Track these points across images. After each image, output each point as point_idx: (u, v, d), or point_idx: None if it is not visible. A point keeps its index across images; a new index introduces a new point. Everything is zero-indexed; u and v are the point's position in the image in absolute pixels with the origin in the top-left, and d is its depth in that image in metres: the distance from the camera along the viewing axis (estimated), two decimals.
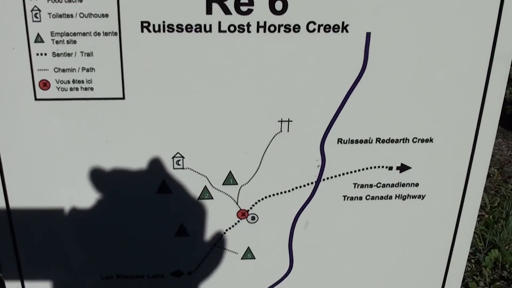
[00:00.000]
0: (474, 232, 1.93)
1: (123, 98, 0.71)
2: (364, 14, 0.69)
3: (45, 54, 0.69)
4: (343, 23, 0.69)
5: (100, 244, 0.79)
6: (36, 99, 0.71)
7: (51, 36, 0.68)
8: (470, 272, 1.78)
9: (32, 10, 0.67)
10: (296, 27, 0.69)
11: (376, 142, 0.75)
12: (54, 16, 0.67)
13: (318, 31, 0.69)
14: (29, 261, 0.79)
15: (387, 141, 0.75)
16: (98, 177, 0.75)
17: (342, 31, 0.70)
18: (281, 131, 0.74)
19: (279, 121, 0.73)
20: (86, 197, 0.76)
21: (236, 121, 0.73)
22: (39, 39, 0.68)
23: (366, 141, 0.75)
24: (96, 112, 0.72)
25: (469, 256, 1.87)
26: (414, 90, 0.73)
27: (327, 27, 0.69)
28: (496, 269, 1.87)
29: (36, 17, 0.67)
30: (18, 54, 0.69)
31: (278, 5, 0.68)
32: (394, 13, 0.69)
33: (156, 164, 0.75)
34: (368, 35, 0.70)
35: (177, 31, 0.68)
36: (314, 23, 0.69)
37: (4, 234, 0.77)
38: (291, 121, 0.73)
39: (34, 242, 0.78)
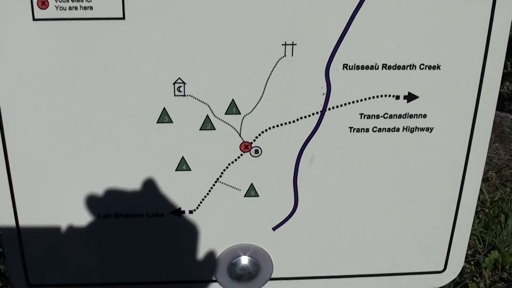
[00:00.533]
0: (473, 234, 1.89)
1: (123, 18, 0.68)
2: None
3: None
4: None
5: (97, 180, 0.75)
6: (34, 19, 0.67)
7: None
8: (470, 273, 1.74)
9: None
10: None
11: (382, 69, 0.72)
12: None
13: None
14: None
15: (394, 67, 0.72)
16: (95, 103, 0.71)
17: None
18: (285, 55, 0.70)
19: (283, 44, 0.70)
20: (83, 124, 0.72)
21: (239, 44, 0.69)
22: None
23: (372, 67, 0.72)
24: (95, 34, 0.68)
25: (468, 257, 1.83)
26: (423, 12, 0.69)
27: None
28: (496, 270, 1.83)
29: None
30: None
31: None
32: None
33: (156, 91, 0.71)
34: None
35: None
36: None
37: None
38: (295, 44, 0.70)
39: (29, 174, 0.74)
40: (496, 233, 1.86)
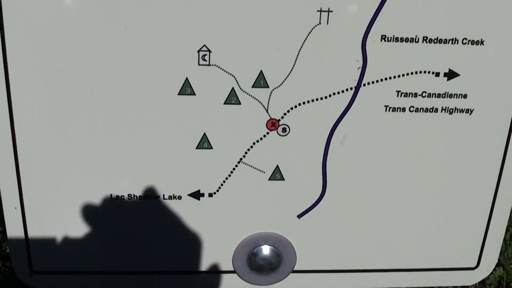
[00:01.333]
0: None
1: None
2: None
3: None
4: None
5: (110, 157, 0.66)
6: None
7: None
8: None
9: None
10: None
11: (422, 42, 0.65)
12: None
13: None
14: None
15: (435, 40, 0.65)
16: (111, 71, 0.63)
17: None
18: (320, 23, 0.63)
19: (318, 10, 0.63)
20: (99, 94, 0.63)
21: (271, 9, 0.62)
22: None
23: (412, 40, 0.64)
24: None
25: None
26: None
27: None
28: (501, 287, 1.77)
29: None
30: None
31: None
32: None
33: (179, 58, 0.63)
34: None
35: None
36: None
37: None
38: (332, 11, 0.63)
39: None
40: (501, 250, 1.78)
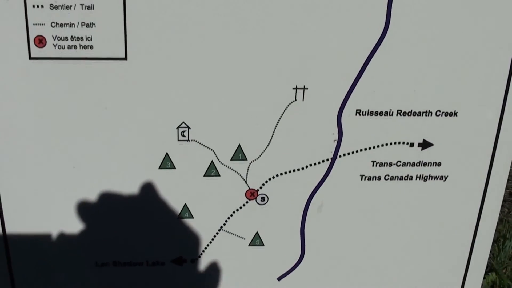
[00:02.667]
0: None
1: (125, 58, 0.59)
2: None
3: (42, 6, 0.57)
4: None
5: (95, 226, 0.65)
6: (30, 57, 0.58)
7: None
8: None
9: None
10: None
11: (397, 115, 0.63)
12: None
13: None
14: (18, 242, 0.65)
15: (409, 113, 0.63)
16: (95, 147, 0.61)
17: None
18: (295, 99, 0.61)
19: (293, 88, 0.61)
20: (82, 168, 0.62)
21: (247, 87, 0.60)
22: None
23: (386, 113, 0.63)
24: (95, 74, 0.59)
25: None
26: (439, 57, 0.61)
27: None
28: None
29: None
30: (12, 6, 0.56)
31: None
32: None
33: (159, 135, 0.62)
34: None
35: None
36: None
37: None
38: (307, 88, 0.61)
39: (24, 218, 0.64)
40: (494, 255, 1.76)
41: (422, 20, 0.59)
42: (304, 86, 0.61)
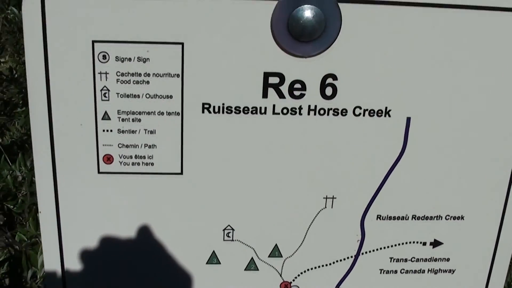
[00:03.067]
0: None
1: (181, 173, 0.67)
2: (405, 100, 0.66)
3: (111, 131, 0.65)
4: (386, 108, 0.67)
5: None
6: (99, 172, 0.67)
7: (118, 114, 0.65)
8: None
9: (101, 90, 0.64)
10: (344, 111, 0.66)
11: (412, 219, 0.72)
12: (121, 96, 0.64)
13: (363, 115, 0.67)
14: None
15: (422, 218, 0.72)
16: (151, 244, 0.70)
17: (385, 116, 0.67)
18: (325, 207, 0.70)
19: (324, 197, 0.70)
20: (140, 265, 0.71)
21: (285, 197, 0.69)
22: (106, 117, 0.65)
23: (402, 218, 0.71)
24: (154, 186, 0.68)
25: None
26: (449, 172, 0.69)
27: (372, 111, 0.67)
28: None
29: (105, 97, 0.64)
30: (85, 130, 0.65)
31: (328, 91, 0.65)
32: (433, 99, 0.66)
33: (207, 235, 0.70)
34: (408, 119, 0.67)
35: (235, 112, 0.65)
36: (360, 108, 0.66)
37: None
38: (335, 198, 0.70)
39: None
40: None
41: (434, 143, 0.68)
42: (333, 196, 0.70)
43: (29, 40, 0.61)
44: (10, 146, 1.90)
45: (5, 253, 1.47)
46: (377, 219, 0.70)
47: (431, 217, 0.71)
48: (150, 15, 0.60)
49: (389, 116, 0.66)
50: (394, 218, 0.70)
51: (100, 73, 0.62)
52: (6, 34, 2.00)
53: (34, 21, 0.60)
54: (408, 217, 0.70)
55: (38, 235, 1.44)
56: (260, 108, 0.64)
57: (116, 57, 0.62)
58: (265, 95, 0.64)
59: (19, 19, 1.89)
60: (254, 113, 0.65)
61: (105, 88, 0.63)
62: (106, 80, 0.62)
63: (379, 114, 0.66)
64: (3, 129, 1.94)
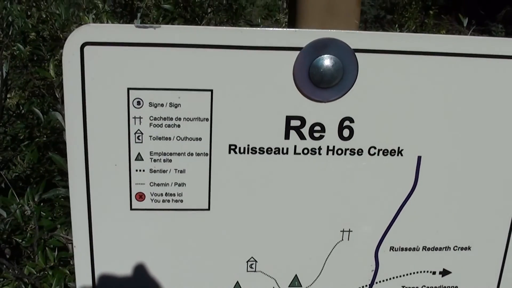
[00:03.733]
0: None
1: (209, 209, 0.71)
2: (416, 141, 0.70)
3: (143, 171, 0.69)
4: (398, 148, 0.70)
5: None
6: (131, 209, 0.70)
7: (150, 155, 0.68)
8: None
9: (135, 133, 0.67)
10: (360, 151, 0.70)
11: (422, 250, 0.75)
12: (154, 138, 0.67)
13: (378, 154, 0.70)
14: None
15: (432, 249, 0.75)
16: (179, 277, 0.73)
17: (398, 155, 0.70)
18: (342, 239, 0.73)
19: (341, 231, 0.73)
20: None
21: (305, 230, 0.72)
22: (139, 158, 0.68)
23: (414, 249, 0.75)
24: (183, 221, 0.71)
25: None
26: (457, 206, 0.73)
27: (385, 151, 0.70)
28: None
29: (139, 139, 0.67)
30: (120, 170, 0.68)
31: (346, 133, 0.69)
32: (442, 139, 0.70)
33: (231, 267, 0.73)
34: (419, 158, 0.71)
35: (259, 153, 0.69)
36: (375, 148, 0.70)
37: None
38: (352, 231, 0.73)
39: None
40: None
41: (443, 179, 0.72)
42: (349, 229, 0.73)
43: (68, 87, 0.64)
44: (14, 181, 1.93)
45: (15, 286, 1.49)
46: (390, 250, 0.73)
47: (440, 248, 0.74)
48: (181, 64, 0.63)
49: (402, 155, 0.69)
50: (406, 249, 0.73)
51: (135, 117, 0.65)
52: (12, 70, 2.03)
53: (73, 69, 0.63)
54: (419, 248, 0.73)
55: (47, 268, 1.47)
56: (283, 148, 0.68)
57: (150, 103, 0.65)
58: (287, 136, 0.67)
59: (25, 55, 1.92)
60: (277, 153, 0.68)
61: (138, 132, 0.66)
62: (140, 124, 0.65)
63: (392, 154, 0.69)
64: (10, 163, 1.97)
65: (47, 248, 1.54)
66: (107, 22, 1.88)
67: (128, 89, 0.64)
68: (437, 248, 0.74)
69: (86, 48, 0.63)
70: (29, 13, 2.14)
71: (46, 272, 1.52)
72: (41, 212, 1.58)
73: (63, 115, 1.19)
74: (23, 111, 1.89)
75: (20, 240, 1.59)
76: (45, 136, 1.92)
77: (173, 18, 2.10)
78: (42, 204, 1.63)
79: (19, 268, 1.54)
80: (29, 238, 1.58)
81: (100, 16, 1.84)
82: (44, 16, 2.01)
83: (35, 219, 1.52)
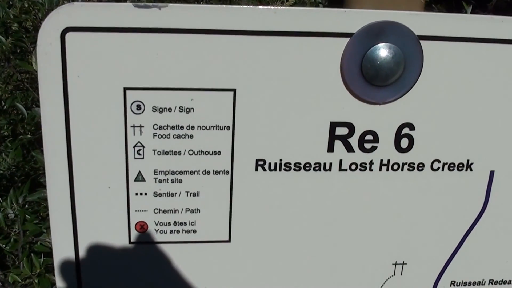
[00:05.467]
0: None
1: (229, 241, 0.52)
2: (490, 152, 0.52)
3: (145, 194, 0.50)
4: (468, 161, 0.52)
5: None
6: (130, 242, 0.51)
7: (154, 174, 0.49)
8: None
9: (134, 147, 0.48)
10: (420, 165, 0.52)
11: (488, 284, 0.57)
12: (159, 153, 0.48)
13: (442, 169, 0.52)
14: None
15: (500, 282, 0.58)
16: None
17: (466, 170, 0.53)
18: (394, 274, 0.55)
19: (393, 264, 0.55)
20: None
21: (349, 263, 0.54)
22: (139, 178, 0.49)
23: (479, 283, 0.57)
24: (196, 256, 0.52)
25: None
26: None
27: (452, 165, 0.52)
28: None
29: (139, 154, 0.48)
30: (114, 194, 0.49)
31: (404, 143, 0.51)
32: None
33: None
34: (491, 173, 0.53)
35: (295, 169, 0.50)
36: (439, 161, 0.52)
37: None
38: (406, 264, 0.55)
39: None
40: None
41: None
42: (403, 261, 0.55)
43: (45, 88, 0.45)
44: None
45: None
46: (450, 285, 0.56)
47: (510, 281, 0.56)
48: (195, 55, 0.44)
49: (471, 170, 0.52)
50: (470, 283, 0.56)
51: (133, 126, 0.46)
52: None
53: (52, 63, 0.44)
54: (485, 282, 0.56)
55: (33, 275, 1.29)
56: (325, 164, 0.49)
57: (153, 107, 0.46)
58: (331, 148, 0.49)
59: (6, 47, 1.71)
60: (317, 170, 0.49)
61: (139, 144, 0.47)
62: (141, 134, 0.47)
63: (460, 168, 0.51)
64: None
65: (32, 254, 1.35)
66: None
67: (125, 89, 0.45)
68: (505, 281, 0.56)
69: (69, 35, 0.43)
70: (11, 2, 1.93)
71: (32, 280, 1.33)
72: (26, 215, 1.39)
73: None
74: (5, 106, 1.69)
75: (4, 246, 1.40)
76: (29, 133, 1.72)
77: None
78: (26, 206, 1.43)
79: (3, 275, 1.35)
80: (13, 243, 1.39)
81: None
82: (27, 5, 1.80)
83: (20, 223, 1.32)
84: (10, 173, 1.75)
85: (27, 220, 1.35)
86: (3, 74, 1.97)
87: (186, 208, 0.50)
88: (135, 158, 0.48)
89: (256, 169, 0.49)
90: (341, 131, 0.49)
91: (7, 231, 1.40)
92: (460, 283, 0.56)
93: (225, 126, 0.48)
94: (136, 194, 0.49)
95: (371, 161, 0.50)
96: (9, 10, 1.87)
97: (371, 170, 0.50)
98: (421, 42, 0.47)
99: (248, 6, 0.45)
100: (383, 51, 0.46)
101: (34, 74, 1.48)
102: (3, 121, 1.69)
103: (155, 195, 0.49)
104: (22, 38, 1.80)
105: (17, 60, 1.73)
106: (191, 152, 0.48)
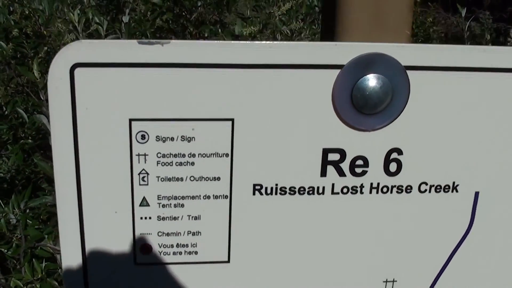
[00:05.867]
0: None
1: (228, 261, 0.54)
2: (474, 174, 0.55)
3: (150, 218, 0.52)
4: (453, 183, 0.55)
5: None
6: (136, 263, 0.53)
7: (158, 199, 0.52)
8: None
9: (139, 174, 0.50)
10: (409, 187, 0.54)
11: None
12: (162, 179, 0.51)
13: (429, 191, 0.55)
14: None
15: None
16: None
17: (452, 191, 0.55)
18: None
19: (384, 281, 0.57)
20: None
21: (341, 281, 0.56)
22: (144, 203, 0.51)
23: None
24: (198, 276, 0.54)
25: None
26: None
27: (438, 187, 0.55)
28: None
29: (143, 181, 0.51)
30: (121, 218, 0.52)
31: (393, 167, 0.53)
32: (504, 172, 0.55)
33: None
34: (476, 194, 0.56)
35: (290, 193, 0.53)
36: (426, 184, 0.54)
37: None
38: (396, 281, 0.57)
39: None
40: None
41: (503, 218, 0.57)
42: (393, 279, 0.58)
43: (56, 119, 0.47)
44: None
45: None
46: None
47: None
48: (196, 88, 0.47)
49: (457, 191, 0.54)
50: None
51: (139, 154, 0.49)
52: None
53: (62, 97, 0.47)
54: None
55: (34, 280, 1.30)
56: (318, 188, 0.52)
57: (157, 136, 0.48)
58: (323, 173, 0.51)
59: (7, 53, 1.74)
60: (311, 194, 0.52)
61: (143, 172, 0.49)
62: (145, 162, 0.49)
63: (446, 190, 0.54)
64: None
65: (34, 259, 1.36)
66: (93, 18, 1.69)
67: (130, 120, 0.48)
68: None
69: (77, 71, 0.46)
70: (11, 8, 1.96)
71: (33, 285, 1.34)
72: (27, 220, 1.40)
73: (48, 118, 1.01)
74: (6, 112, 1.70)
75: (6, 250, 1.41)
76: (30, 138, 1.73)
77: (161, 13, 1.91)
78: (28, 211, 1.44)
79: (5, 280, 1.36)
80: (15, 248, 1.40)
81: (86, 12, 1.65)
82: (27, 12, 1.82)
83: (21, 228, 1.34)
84: (10, 176, 1.77)
85: (29, 225, 1.36)
86: (4, 79, 1.97)
87: (188, 231, 0.52)
88: (140, 184, 0.50)
89: (254, 193, 0.52)
90: (333, 156, 0.51)
91: (9, 236, 1.41)
92: None
93: (224, 154, 0.50)
94: (141, 218, 0.51)
95: (362, 184, 0.53)
96: (10, 16, 1.89)
97: (362, 193, 0.53)
98: (408, 72, 0.50)
99: (245, 42, 0.48)
100: (372, 81, 0.49)
101: (34, 80, 1.50)
102: (4, 125, 1.71)
103: (159, 219, 0.51)
104: (23, 43, 1.82)
105: (17, 66, 1.75)
106: (192, 178, 0.50)
